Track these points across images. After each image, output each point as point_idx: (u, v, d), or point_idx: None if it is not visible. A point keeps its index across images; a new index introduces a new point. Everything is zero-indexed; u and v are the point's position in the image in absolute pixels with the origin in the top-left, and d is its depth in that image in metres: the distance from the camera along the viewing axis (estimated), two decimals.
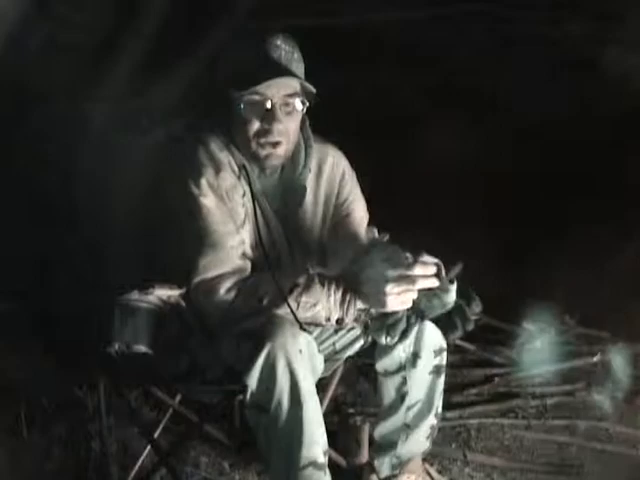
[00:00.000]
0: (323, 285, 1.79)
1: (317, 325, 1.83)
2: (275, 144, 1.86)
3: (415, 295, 1.75)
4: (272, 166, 1.92)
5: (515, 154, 4.14)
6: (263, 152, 1.87)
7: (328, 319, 1.80)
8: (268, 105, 1.83)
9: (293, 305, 1.76)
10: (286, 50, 1.85)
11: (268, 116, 1.84)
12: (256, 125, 1.85)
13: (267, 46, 1.83)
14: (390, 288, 1.73)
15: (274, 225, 1.95)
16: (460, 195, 4.07)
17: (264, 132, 1.85)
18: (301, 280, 1.80)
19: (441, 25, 4.08)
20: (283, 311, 1.77)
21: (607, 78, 3.68)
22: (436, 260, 1.76)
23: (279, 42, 1.84)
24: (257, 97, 1.83)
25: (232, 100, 1.85)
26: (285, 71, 1.83)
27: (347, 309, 1.79)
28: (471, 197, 4.05)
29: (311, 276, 1.82)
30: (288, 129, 1.87)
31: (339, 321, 1.81)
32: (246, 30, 2.01)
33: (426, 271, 1.74)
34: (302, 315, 1.77)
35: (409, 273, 1.72)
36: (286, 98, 1.84)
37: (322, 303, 1.78)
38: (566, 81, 4.12)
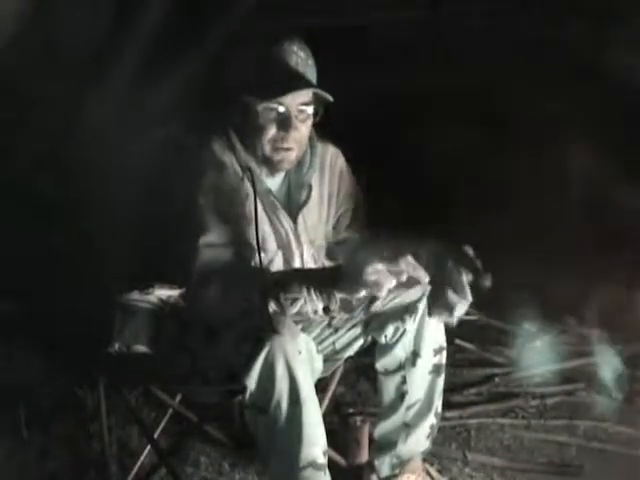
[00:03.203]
0: (299, 279, 1.74)
1: (308, 320, 1.80)
2: (288, 149, 1.87)
3: (391, 285, 1.63)
4: (283, 170, 1.93)
5: (514, 153, 4.14)
6: (277, 157, 1.88)
7: (315, 311, 1.77)
8: (284, 112, 1.83)
9: (277, 305, 1.72)
10: (302, 57, 1.84)
11: (284, 123, 1.84)
12: (272, 131, 1.85)
13: (284, 53, 1.82)
14: (368, 272, 1.62)
15: (285, 224, 1.95)
16: (458, 195, 4.07)
17: (280, 138, 1.85)
18: (277, 276, 1.78)
19: (441, 25, 4.08)
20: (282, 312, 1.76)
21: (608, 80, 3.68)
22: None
23: (295, 48, 1.84)
24: (274, 105, 1.83)
25: (245, 105, 1.85)
26: (305, 83, 1.83)
27: (329, 297, 1.72)
28: (468, 197, 4.05)
29: (287, 272, 1.82)
30: (302, 135, 1.88)
31: (326, 310, 1.76)
32: (258, 33, 1.99)
33: (408, 269, 1.65)
34: (289, 313, 1.74)
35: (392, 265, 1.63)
36: (301, 106, 1.85)
37: (303, 297, 1.73)
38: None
